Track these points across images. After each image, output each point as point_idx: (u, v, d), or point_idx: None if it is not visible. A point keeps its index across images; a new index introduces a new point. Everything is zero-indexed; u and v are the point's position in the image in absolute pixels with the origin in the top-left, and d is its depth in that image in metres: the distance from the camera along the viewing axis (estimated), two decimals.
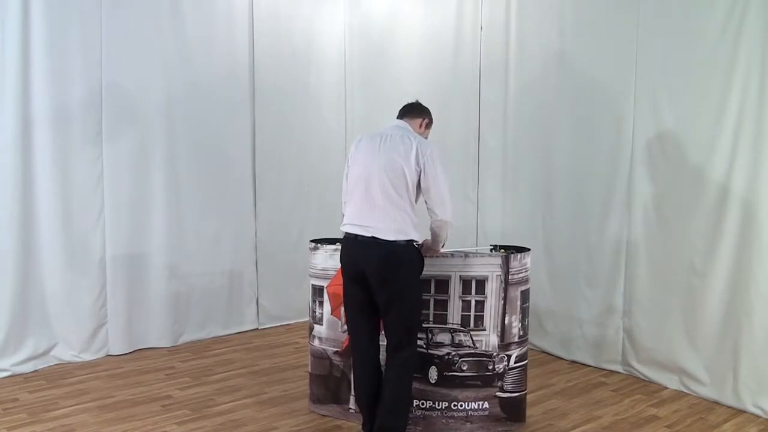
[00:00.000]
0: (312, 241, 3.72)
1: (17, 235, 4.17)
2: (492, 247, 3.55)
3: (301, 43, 5.53)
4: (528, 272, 3.50)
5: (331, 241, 3.69)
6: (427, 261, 3.43)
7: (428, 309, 3.42)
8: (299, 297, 5.09)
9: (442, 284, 3.41)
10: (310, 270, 3.69)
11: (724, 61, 3.71)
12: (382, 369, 3.20)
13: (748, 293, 3.66)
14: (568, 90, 4.52)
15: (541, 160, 4.73)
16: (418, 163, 3.04)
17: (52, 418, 3.54)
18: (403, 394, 3.12)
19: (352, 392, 3.54)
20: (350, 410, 3.56)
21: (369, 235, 3.04)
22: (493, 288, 3.37)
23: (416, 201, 3.09)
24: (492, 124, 5.01)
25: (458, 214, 5.16)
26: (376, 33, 5.72)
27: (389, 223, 3.03)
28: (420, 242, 3.14)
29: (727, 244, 3.74)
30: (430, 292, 3.42)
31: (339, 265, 3.52)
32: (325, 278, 3.61)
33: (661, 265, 4.08)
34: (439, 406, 3.41)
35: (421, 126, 3.31)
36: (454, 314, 3.40)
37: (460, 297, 3.39)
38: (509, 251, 3.50)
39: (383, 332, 3.18)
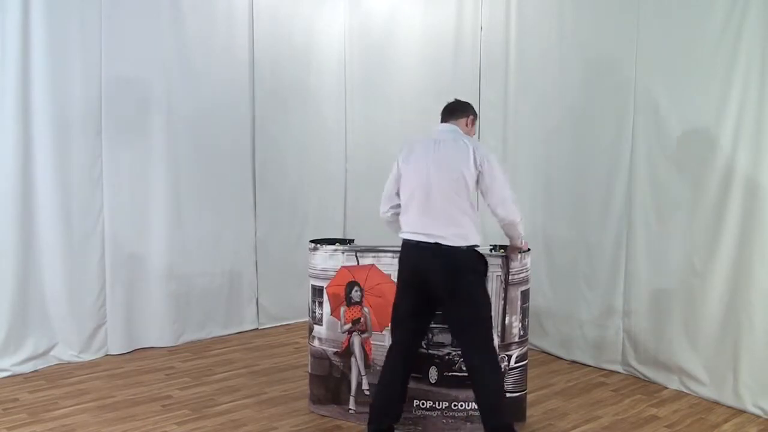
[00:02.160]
0: (312, 241, 3.72)
1: (17, 235, 4.17)
2: (492, 247, 3.55)
3: (301, 43, 5.53)
4: (528, 272, 3.50)
5: (331, 242, 3.69)
6: None
7: None
8: (299, 297, 5.07)
9: None
10: (310, 270, 3.68)
11: (724, 61, 3.71)
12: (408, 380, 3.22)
13: (748, 293, 3.66)
14: (567, 90, 4.52)
15: (541, 160, 4.73)
16: (476, 166, 3.01)
17: (52, 418, 3.54)
18: (502, 393, 3.13)
19: (352, 393, 3.54)
20: (350, 410, 3.56)
21: (432, 241, 3.01)
22: (493, 288, 3.36)
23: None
24: (492, 124, 5.01)
25: None
26: (376, 33, 5.72)
27: (452, 228, 3.00)
28: (478, 245, 3.11)
29: (727, 244, 3.74)
30: None
31: (339, 266, 3.54)
32: (324, 279, 3.60)
33: (661, 265, 4.08)
34: (439, 406, 3.41)
35: (467, 124, 3.27)
36: None
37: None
38: None
39: (457, 341, 3.19)
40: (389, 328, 3.29)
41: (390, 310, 3.37)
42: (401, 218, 3.16)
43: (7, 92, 4.08)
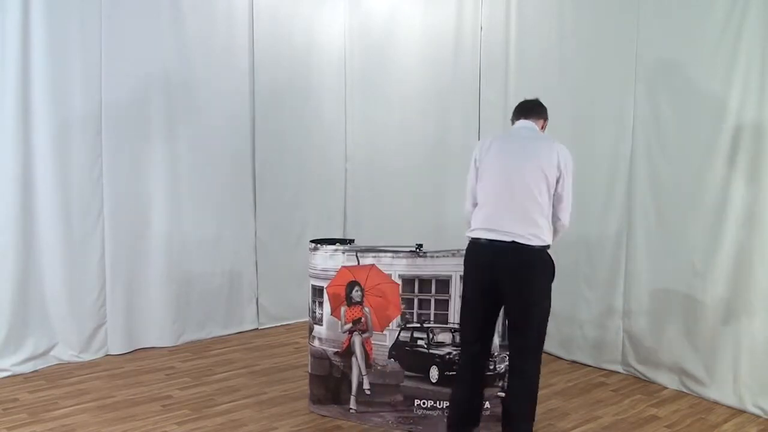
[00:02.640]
0: (312, 241, 3.72)
1: (17, 235, 4.17)
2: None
3: (301, 43, 5.53)
4: None
5: (331, 242, 3.69)
6: (427, 261, 3.44)
7: (429, 309, 3.43)
8: (299, 297, 5.08)
9: (443, 284, 3.41)
10: (310, 270, 3.68)
11: (724, 61, 3.71)
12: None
13: (748, 293, 3.66)
14: (568, 90, 4.52)
15: None
16: (558, 168, 2.97)
17: (52, 418, 3.54)
18: (534, 402, 3.06)
19: (353, 393, 3.54)
20: (351, 410, 3.56)
21: (509, 240, 2.93)
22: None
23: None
24: (492, 124, 5.01)
25: (458, 214, 5.19)
26: (376, 33, 5.72)
27: (532, 228, 2.94)
28: (550, 245, 3.07)
29: (727, 244, 3.74)
30: (431, 292, 3.42)
31: (339, 266, 3.54)
32: (325, 279, 3.60)
33: (661, 265, 4.08)
34: (440, 405, 3.41)
35: (543, 128, 3.23)
36: (455, 314, 3.40)
37: (461, 297, 3.39)
38: None
39: (512, 340, 3.10)
40: (461, 338, 3.20)
41: (390, 309, 3.38)
42: (473, 216, 3.06)
43: (7, 92, 4.08)
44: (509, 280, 2.96)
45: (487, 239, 2.97)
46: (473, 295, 3.07)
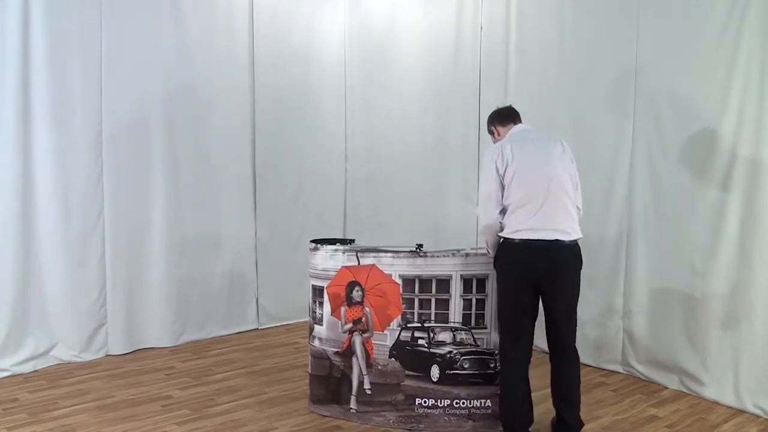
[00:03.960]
0: (312, 241, 3.71)
1: (17, 235, 4.17)
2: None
3: (301, 43, 5.53)
4: None
5: (331, 242, 3.69)
6: (428, 261, 3.44)
7: (430, 308, 3.43)
8: (299, 297, 5.08)
9: (444, 283, 3.41)
10: (311, 270, 3.68)
11: (724, 61, 3.71)
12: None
13: (748, 293, 3.66)
14: (568, 90, 4.52)
15: None
16: (572, 159, 3.19)
17: (52, 418, 3.54)
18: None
19: (353, 393, 3.54)
20: (351, 410, 3.56)
21: (553, 238, 3.05)
22: (493, 286, 3.37)
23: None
24: None
25: (458, 214, 5.20)
26: (376, 33, 5.72)
27: (570, 221, 3.10)
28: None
29: (727, 244, 3.74)
30: (431, 292, 3.42)
31: (339, 266, 3.53)
32: (325, 279, 3.60)
33: (661, 265, 4.08)
34: (441, 403, 3.42)
35: None
36: (456, 313, 3.41)
37: (461, 296, 3.40)
38: None
39: (553, 331, 3.23)
40: (508, 340, 3.23)
41: (391, 309, 3.38)
42: (509, 219, 3.12)
43: (7, 92, 4.08)
44: (556, 277, 3.10)
45: (532, 239, 3.06)
46: (524, 294, 3.14)
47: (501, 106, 3.48)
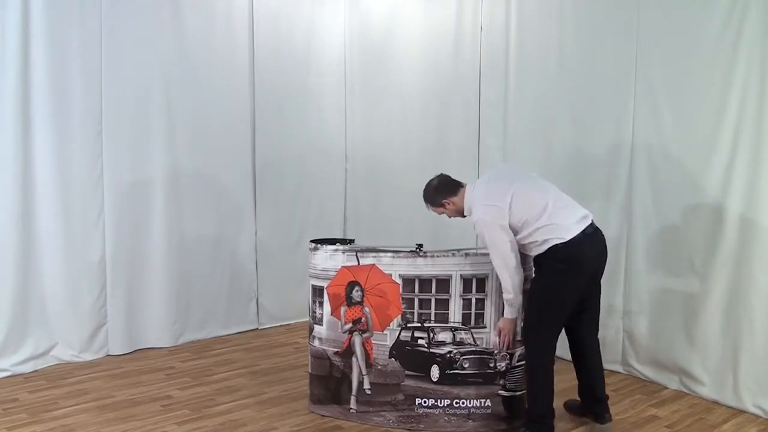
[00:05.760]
0: (312, 241, 3.71)
1: (17, 235, 4.17)
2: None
3: (301, 43, 5.53)
4: (529, 271, 3.50)
5: (331, 242, 3.69)
6: (428, 261, 3.44)
7: (429, 308, 3.43)
8: (299, 297, 5.08)
9: (443, 283, 3.41)
10: (310, 270, 3.68)
11: (724, 61, 3.71)
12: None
13: (748, 293, 3.66)
14: (568, 90, 4.52)
15: (540, 160, 4.72)
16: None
17: (52, 418, 3.54)
18: None
19: (353, 393, 3.54)
20: (351, 410, 3.56)
21: (590, 220, 3.22)
22: (493, 286, 3.37)
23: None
24: (492, 124, 5.01)
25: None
26: (376, 33, 5.72)
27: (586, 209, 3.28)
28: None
29: (727, 244, 3.74)
30: (431, 291, 3.42)
31: (339, 266, 3.53)
32: (325, 279, 3.60)
33: (661, 265, 4.08)
34: (441, 403, 3.42)
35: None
36: (456, 312, 3.41)
37: (461, 295, 3.40)
38: None
39: (586, 321, 3.38)
40: (548, 337, 3.28)
41: (391, 309, 3.38)
42: (541, 232, 3.13)
43: (7, 92, 4.08)
44: (602, 264, 3.32)
45: (582, 229, 3.14)
46: (574, 289, 3.20)
47: (428, 185, 3.45)
